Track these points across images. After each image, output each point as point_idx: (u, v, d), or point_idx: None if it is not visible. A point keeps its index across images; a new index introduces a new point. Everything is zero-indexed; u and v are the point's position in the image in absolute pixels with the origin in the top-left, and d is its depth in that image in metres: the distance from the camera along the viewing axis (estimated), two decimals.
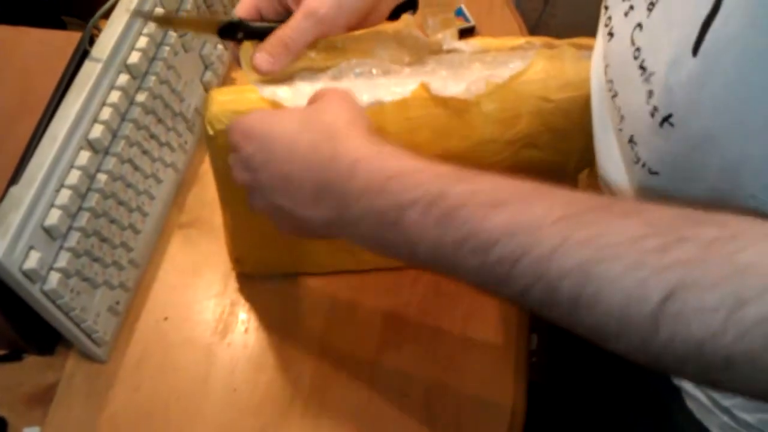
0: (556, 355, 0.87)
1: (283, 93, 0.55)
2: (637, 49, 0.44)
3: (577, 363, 0.79)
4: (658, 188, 0.45)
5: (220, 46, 0.80)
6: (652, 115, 0.42)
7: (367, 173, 0.44)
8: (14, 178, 0.57)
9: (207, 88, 0.78)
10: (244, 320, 0.67)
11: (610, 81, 0.49)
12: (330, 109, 0.49)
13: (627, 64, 0.45)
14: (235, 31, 0.56)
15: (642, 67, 0.43)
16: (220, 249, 0.71)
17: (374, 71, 0.57)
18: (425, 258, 0.42)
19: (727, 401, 0.53)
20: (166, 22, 0.66)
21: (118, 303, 0.65)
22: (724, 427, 0.55)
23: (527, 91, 0.56)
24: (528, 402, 0.63)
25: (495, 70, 0.57)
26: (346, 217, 0.45)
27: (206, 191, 0.75)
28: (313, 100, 0.52)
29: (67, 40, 0.67)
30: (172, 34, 0.70)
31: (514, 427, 0.61)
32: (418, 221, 0.41)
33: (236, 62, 0.59)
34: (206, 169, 0.77)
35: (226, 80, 0.83)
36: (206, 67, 0.78)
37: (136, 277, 0.68)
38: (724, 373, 0.34)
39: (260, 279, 0.69)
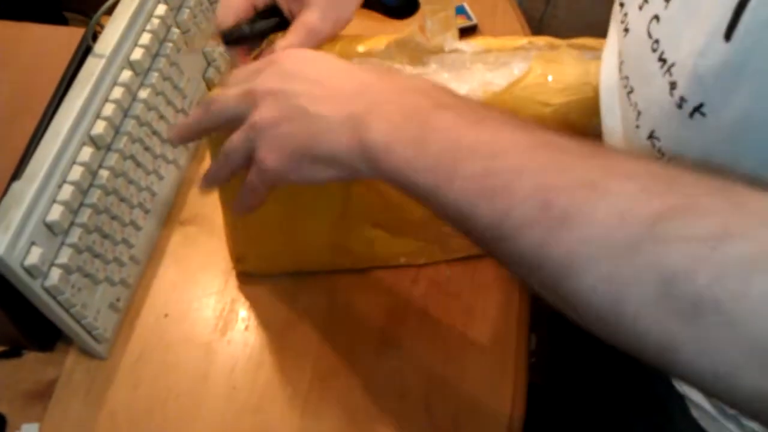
0: (556, 355, 0.87)
1: None
2: (656, 41, 0.44)
3: (576, 364, 0.79)
4: None
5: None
6: (680, 106, 0.41)
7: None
8: (16, 174, 0.57)
9: (209, 85, 0.78)
10: (245, 318, 0.67)
11: (626, 77, 0.49)
12: None
13: (644, 58, 0.45)
14: (238, 38, 0.59)
15: (662, 59, 0.43)
16: (220, 246, 0.71)
17: None
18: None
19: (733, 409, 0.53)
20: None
21: (118, 300, 0.65)
22: None
23: (526, 96, 0.55)
24: (527, 403, 0.63)
25: (497, 71, 0.57)
26: (370, 117, 0.44)
27: None
28: None
29: (69, 36, 0.67)
30: (176, 31, 0.70)
31: (513, 428, 0.61)
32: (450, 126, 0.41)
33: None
34: (207, 166, 0.77)
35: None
36: (209, 64, 0.78)
37: (136, 273, 0.68)
38: (686, 329, 0.32)
39: (261, 277, 0.69)
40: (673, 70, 0.42)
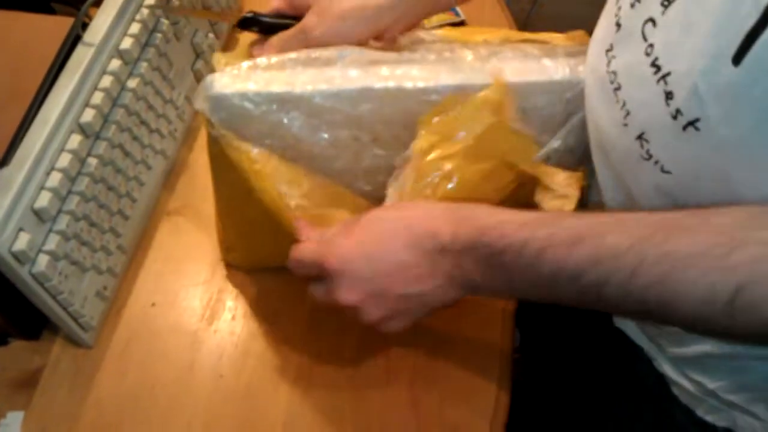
0: (539, 350, 0.88)
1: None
2: (650, 46, 0.45)
3: (559, 356, 0.80)
4: (665, 186, 0.47)
5: (211, 35, 0.80)
6: (674, 117, 0.43)
7: (464, 236, 0.48)
8: (5, 160, 0.57)
9: (198, 77, 0.78)
10: (231, 307, 0.68)
11: (613, 73, 0.50)
12: (374, 219, 0.52)
13: (636, 61, 0.46)
14: (251, 25, 0.61)
15: (656, 65, 0.44)
16: (208, 236, 0.71)
17: (366, 58, 0.57)
18: (523, 290, 0.48)
19: (713, 384, 0.54)
20: (192, 11, 0.71)
21: (105, 288, 0.65)
22: (710, 410, 0.56)
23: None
24: (510, 398, 0.64)
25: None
26: (462, 276, 0.49)
27: (195, 179, 0.75)
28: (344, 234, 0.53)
29: (59, 24, 0.67)
30: (165, 21, 0.70)
31: (498, 417, 0.62)
32: (513, 262, 0.46)
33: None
34: (195, 157, 0.77)
35: None
36: (197, 56, 0.78)
37: (124, 262, 0.68)
38: None
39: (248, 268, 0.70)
40: (668, 79, 0.43)
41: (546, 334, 0.84)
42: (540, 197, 0.58)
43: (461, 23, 0.89)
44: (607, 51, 0.51)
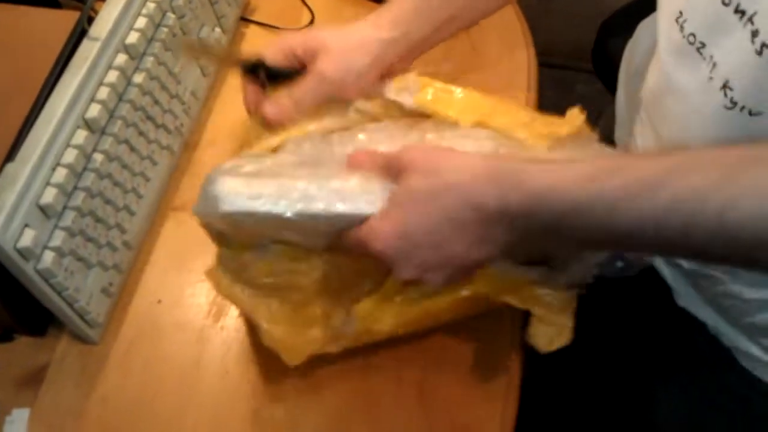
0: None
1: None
2: None
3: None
4: (756, 130, 0.47)
5: (218, 29, 0.80)
6: (760, 53, 0.44)
7: (515, 204, 0.46)
8: (10, 156, 0.57)
9: (204, 72, 0.78)
10: None
11: (692, 34, 0.51)
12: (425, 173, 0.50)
13: (717, 12, 0.47)
14: (257, 70, 0.62)
15: (739, 11, 0.45)
16: None
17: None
18: (589, 246, 0.49)
19: None
20: (194, 51, 0.73)
21: (111, 284, 0.65)
22: None
23: None
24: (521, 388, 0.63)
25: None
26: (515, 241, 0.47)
27: (201, 174, 0.74)
28: (400, 167, 0.51)
29: (65, 19, 0.66)
30: (171, 15, 0.70)
31: (506, 416, 0.61)
32: (579, 223, 0.44)
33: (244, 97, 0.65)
34: (201, 152, 0.77)
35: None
36: None
37: (129, 258, 0.68)
38: None
39: None
40: (755, 19, 0.44)
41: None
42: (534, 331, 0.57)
43: None
44: (677, 18, 0.52)
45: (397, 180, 0.50)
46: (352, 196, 0.52)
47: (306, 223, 0.52)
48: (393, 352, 0.64)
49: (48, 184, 0.57)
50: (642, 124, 0.64)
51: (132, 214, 0.67)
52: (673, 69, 0.55)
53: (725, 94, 0.48)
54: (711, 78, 0.49)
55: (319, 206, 0.51)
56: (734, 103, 0.47)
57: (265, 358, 0.64)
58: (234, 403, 0.62)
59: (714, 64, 0.49)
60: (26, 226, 0.55)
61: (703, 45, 0.50)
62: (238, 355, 0.64)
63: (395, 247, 0.49)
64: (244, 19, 0.87)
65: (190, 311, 0.67)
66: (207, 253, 0.70)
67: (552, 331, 0.57)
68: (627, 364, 0.73)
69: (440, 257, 0.49)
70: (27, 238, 0.54)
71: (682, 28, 0.52)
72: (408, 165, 0.50)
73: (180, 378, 0.63)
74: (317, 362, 0.63)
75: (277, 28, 0.59)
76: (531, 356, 0.66)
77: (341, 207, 0.51)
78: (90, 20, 0.64)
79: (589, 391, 0.79)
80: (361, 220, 0.51)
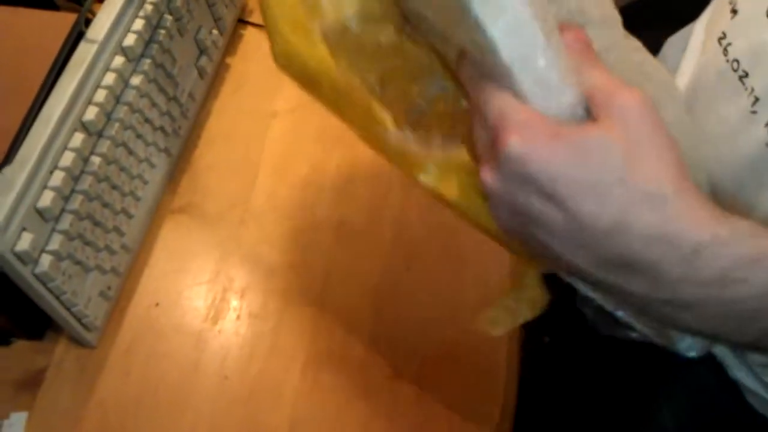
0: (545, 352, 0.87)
1: None
2: None
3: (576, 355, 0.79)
4: None
5: (215, 31, 0.80)
6: None
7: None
8: (7, 159, 0.56)
9: (201, 74, 0.78)
10: (236, 307, 0.67)
11: (735, 61, 0.47)
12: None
13: (763, 42, 0.44)
14: None
15: None
16: (212, 235, 0.70)
17: None
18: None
19: None
20: None
21: (109, 288, 0.65)
22: None
23: None
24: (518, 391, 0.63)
25: None
26: None
27: (199, 177, 0.75)
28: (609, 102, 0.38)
29: (62, 21, 0.66)
30: (168, 17, 0.70)
31: (506, 412, 0.61)
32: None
33: None
34: (199, 155, 0.77)
35: (221, 66, 0.82)
36: (201, 52, 0.78)
37: (127, 262, 0.68)
38: None
39: (251, 265, 0.69)
40: None
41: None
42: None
43: None
44: (720, 39, 0.48)
45: (598, 110, 0.38)
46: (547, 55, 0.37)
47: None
48: (392, 352, 0.64)
49: (45, 187, 0.56)
50: None
51: (130, 216, 0.67)
52: (710, 97, 0.50)
53: None
54: (754, 112, 0.45)
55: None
56: None
57: (263, 361, 0.64)
58: (232, 407, 0.62)
59: (756, 98, 0.45)
60: (24, 229, 0.54)
61: (746, 75, 0.46)
62: (236, 359, 0.64)
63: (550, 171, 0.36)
64: (242, 21, 0.86)
65: (189, 314, 0.67)
66: (205, 255, 0.70)
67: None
68: (627, 365, 0.73)
69: (568, 228, 0.37)
70: (25, 242, 0.54)
71: (725, 50, 0.48)
72: (616, 112, 0.37)
73: (178, 381, 0.63)
74: (317, 363, 0.63)
75: None
76: (531, 356, 0.67)
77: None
78: (87, 22, 0.64)
79: (589, 391, 0.78)
80: (521, 86, 0.37)
